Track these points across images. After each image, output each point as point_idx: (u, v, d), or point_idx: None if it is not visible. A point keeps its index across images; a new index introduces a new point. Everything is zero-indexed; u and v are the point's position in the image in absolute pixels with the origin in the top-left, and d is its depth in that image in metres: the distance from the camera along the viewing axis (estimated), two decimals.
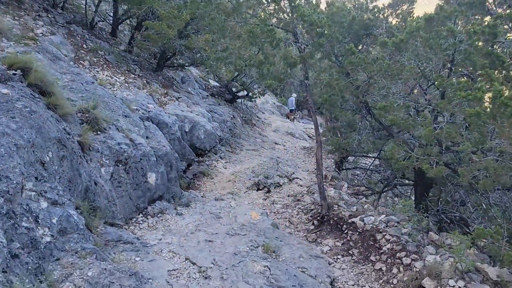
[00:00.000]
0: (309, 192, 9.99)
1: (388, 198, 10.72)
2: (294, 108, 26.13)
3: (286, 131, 22.16)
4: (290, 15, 6.78)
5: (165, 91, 12.09)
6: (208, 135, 11.19)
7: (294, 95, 26.26)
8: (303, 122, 28.32)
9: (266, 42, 6.97)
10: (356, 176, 14.22)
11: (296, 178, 12.57)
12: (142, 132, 7.26)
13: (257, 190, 10.19)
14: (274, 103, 32.44)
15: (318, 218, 7.78)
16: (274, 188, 10.86)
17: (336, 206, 8.07)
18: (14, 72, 5.68)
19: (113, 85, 10.26)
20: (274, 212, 8.66)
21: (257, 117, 22.83)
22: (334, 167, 14.87)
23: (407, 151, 6.46)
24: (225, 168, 11.43)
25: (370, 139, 7.63)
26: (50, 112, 5.43)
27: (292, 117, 26.34)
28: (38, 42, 8.62)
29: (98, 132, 6.09)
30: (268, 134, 20.66)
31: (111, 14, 15.01)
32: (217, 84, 21.12)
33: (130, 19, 14.72)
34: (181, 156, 9.88)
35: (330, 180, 12.03)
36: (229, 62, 12.72)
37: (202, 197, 9.03)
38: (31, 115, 4.72)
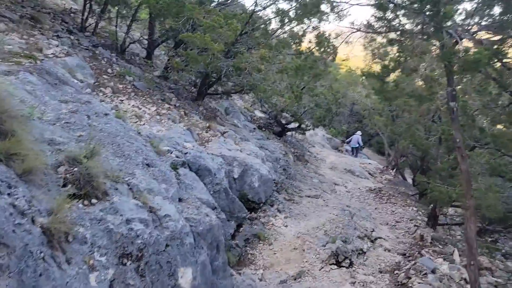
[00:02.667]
0: (417, 271, 6.72)
1: None
2: (358, 146, 23.07)
3: (345, 168, 18.97)
4: None
5: (207, 124, 9.51)
6: (264, 183, 8.34)
7: (359, 132, 23.37)
8: (354, 156, 25.05)
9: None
10: (453, 233, 10.70)
11: (379, 237, 9.34)
12: (173, 192, 4.51)
13: (337, 265, 7.09)
14: (324, 135, 29.58)
15: None
16: (357, 257, 7.71)
17: None
18: None
19: (140, 117, 7.79)
20: None
21: (309, 152, 19.94)
22: (423, 219, 11.47)
23: None
24: (286, 226, 8.46)
25: None
26: None
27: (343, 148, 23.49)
28: (37, 62, 6.32)
29: (92, 201, 3.40)
30: (325, 172, 17.59)
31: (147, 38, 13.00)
32: (263, 115, 18.67)
33: (168, 41, 12.61)
34: (229, 214, 7.08)
35: (430, 243, 8.69)
36: (288, 86, 10.04)
37: (261, 280, 6.08)
38: None
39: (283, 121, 17.32)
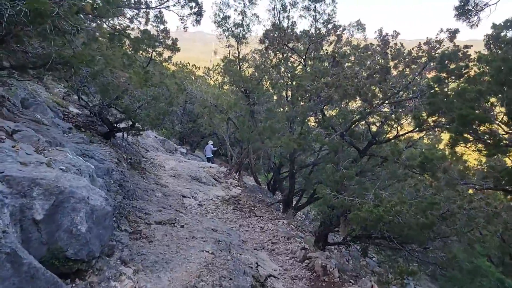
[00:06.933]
0: None
1: None
2: (211, 156, 21.12)
3: (189, 175, 16.18)
4: None
5: None
6: (98, 222, 4.58)
7: (211, 142, 21.30)
8: (188, 159, 22.62)
9: None
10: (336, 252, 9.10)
11: (270, 276, 6.80)
12: None
13: None
14: (156, 137, 26.08)
15: None
16: None
17: None
18: None
19: None
20: None
21: (144, 157, 16.35)
22: (298, 234, 9.53)
23: None
24: None
25: None
26: None
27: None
28: None
29: None
30: (167, 182, 14.41)
31: None
32: (81, 112, 14.09)
33: None
34: None
35: (339, 277, 6.61)
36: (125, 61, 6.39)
37: None
38: None
39: (111, 119, 13.16)
